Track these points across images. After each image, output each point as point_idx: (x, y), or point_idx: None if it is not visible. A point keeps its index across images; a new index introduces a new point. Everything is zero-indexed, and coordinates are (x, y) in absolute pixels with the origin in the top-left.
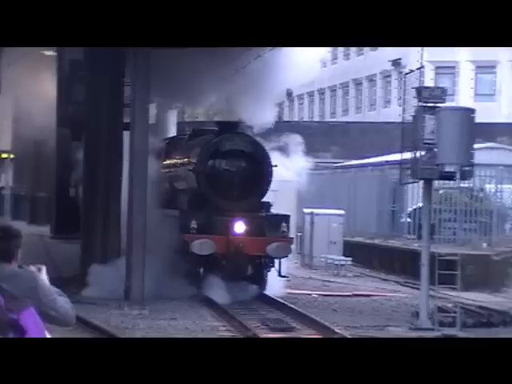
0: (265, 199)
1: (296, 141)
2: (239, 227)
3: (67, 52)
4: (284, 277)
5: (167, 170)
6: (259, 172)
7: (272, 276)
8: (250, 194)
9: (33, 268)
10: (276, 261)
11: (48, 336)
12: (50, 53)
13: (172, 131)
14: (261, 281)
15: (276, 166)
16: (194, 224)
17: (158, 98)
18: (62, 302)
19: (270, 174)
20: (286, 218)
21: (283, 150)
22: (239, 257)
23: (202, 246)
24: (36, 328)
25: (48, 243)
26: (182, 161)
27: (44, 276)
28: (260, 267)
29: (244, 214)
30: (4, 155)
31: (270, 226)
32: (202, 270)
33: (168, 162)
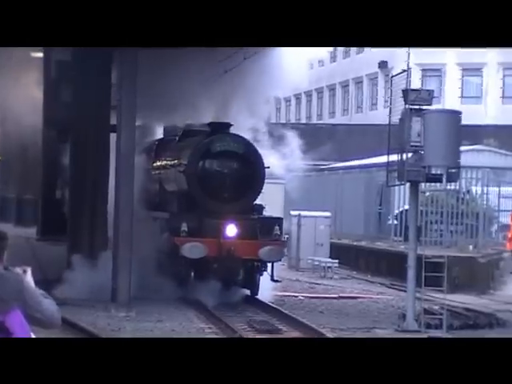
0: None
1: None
2: (231, 230)
3: (54, 53)
4: (277, 281)
5: (157, 171)
6: (251, 173)
7: (263, 280)
8: (241, 196)
9: (18, 270)
10: (268, 264)
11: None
12: (36, 54)
13: (159, 133)
14: (253, 285)
15: (269, 167)
16: (184, 227)
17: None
18: (48, 304)
19: (263, 175)
20: (278, 220)
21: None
22: (231, 260)
23: (192, 249)
24: (22, 330)
25: (34, 245)
26: (172, 162)
27: (29, 278)
28: (252, 271)
29: (236, 216)
30: None
31: (263, 228)
32: (192, 273)
33: (158, 163)
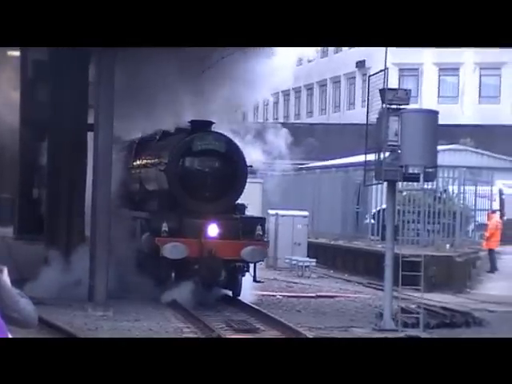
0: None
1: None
2: (212, 230)
3: (30, 53)
4: (259, 282)
5: (137, 170)
6: (233, 172)
7: (245, 280)
8: (223, 195)
9: None
10: (251, 265)
11: (10, 337)
12: (13, 53)
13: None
14: (235, 286)
15: (251, 166)
16: (165, 227)
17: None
18: (25, 303)
19: (245, 174)
20: (261, 220)
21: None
22: (212, 261)
23: (173, 249)
24: None
25: (10, 244)
26: (152, 161)
27: (5, 277)
28: (234, 272)
29: (217, 216)
30: None
31: (245, 228)
32: (173, 274)
33: (138, 162)
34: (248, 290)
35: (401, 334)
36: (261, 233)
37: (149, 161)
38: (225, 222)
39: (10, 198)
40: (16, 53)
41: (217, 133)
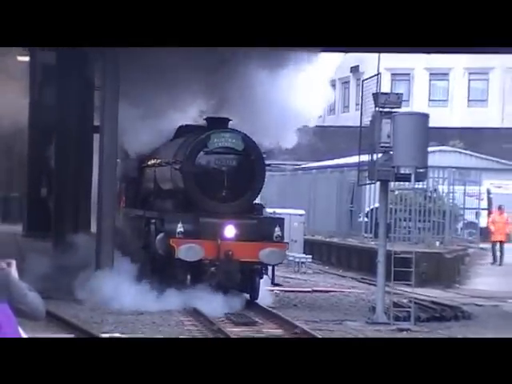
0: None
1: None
2: (229, 231)
3: (39, 58)
4: (277, 284)
5: (152, 169)
6: (251, 171)
7: (263, 282)
8: (241, 194)
9: (3, 264)
10: (269, 267)
11: (20, 330)
12: (22, 58)
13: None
14: (253, 289)
15: (270, 164)
16: (180, 227)
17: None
18: (33, 296)
19: (263, 173)
20: (280, 221)
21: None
22: (229, 263)
23: (188, 251)
24: (9, 322)
25: (20, 241)
26: (167, 159)
27: (14, 271)
28: (252, 274)
29: (235, 216)
30: None
31: (263, 229)
32: (189, 277)
33: (153, 160)
34: (266, 294)
35: (393, 327)
36: (280, 234)
37: (164, 159)
38: (242, 223)
39: (19, 197)
40: (25, 58)
41: (234, 130)
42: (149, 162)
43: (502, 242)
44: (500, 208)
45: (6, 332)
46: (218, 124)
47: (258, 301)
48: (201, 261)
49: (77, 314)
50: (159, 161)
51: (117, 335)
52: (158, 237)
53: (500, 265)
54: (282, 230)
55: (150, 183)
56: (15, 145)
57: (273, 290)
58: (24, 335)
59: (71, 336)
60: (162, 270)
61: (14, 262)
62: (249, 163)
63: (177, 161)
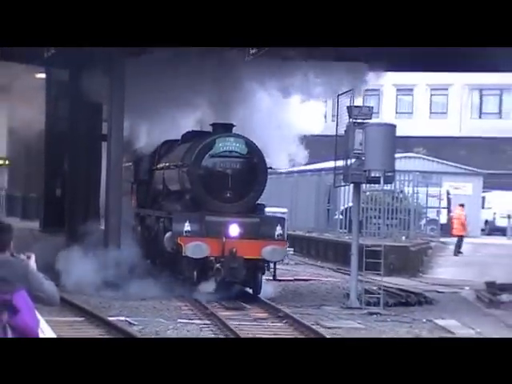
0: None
1: None
2: (234, 230)
3: (54, 75)
4: (279, 280)
5: (161, 171)
6: (254, 173)
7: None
8: (244, 195)
9: (23, 256)
10: (271, 264)
11: (37, 314)
12: (40, 75)
13: (143, 141)
14: (255, 284)
15: (271, 167)
16: (187, 226)
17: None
18: (48, 285)
19: (265, 175)
20: (281, 220)
21: None
22: (234, 260)
23: (195, 248)
24: (27, 307)
25: (37, 236)
26: (175, 162)
27: (33, 263)
28: (255, 270)
29: (238, 216)
30: (0, 162)
31: (265, 228)
32: (195, 273)
33: (162, 164)
34: (268, 288)
35: (364, 312)
36: (281, 232)
37: (172, 162)
38: (246, 222)
39: (36, 197)
40: (42, 75)
41: (238, 135)
42: (158, 165)
43: (462, 236)
44: (462, 205)
45: (24, 317)
46: (222, 129)
47: (259, 295)
48: (207, 258)
49: (87, 300)
50: (168, 164)
51: (122, 318)
52: (167, 235)
53: (456, 255)
54: (283, 228)
55: (159, 185)
56: (33, 152)
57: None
58: (41, 319)
59: (82, 319)
60: (170, 266)
61: (33, 255)
62: (252, 166)
63: (184, 164)
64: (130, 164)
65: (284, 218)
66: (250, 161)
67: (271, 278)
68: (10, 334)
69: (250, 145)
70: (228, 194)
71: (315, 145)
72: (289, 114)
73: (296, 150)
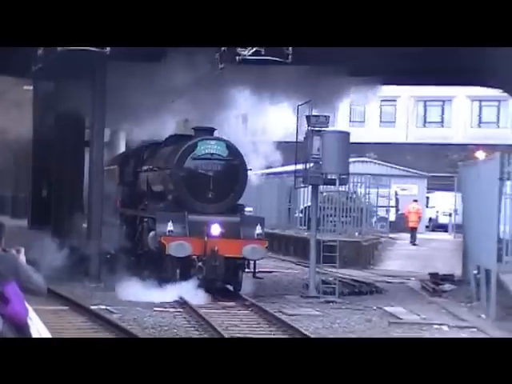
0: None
1: None
2: (215, 229)
3: (40, 86)
4: (259, 278)
5: (145, 173)
6: (234, 175)
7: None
8: (225, 196)
9: (13, 251)
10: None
11: (27, 304)
12: (28, 87)
13: (122, 147)
14: (236, 281)
15: (251, 169)
16: (170, 226)
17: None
18: (37, 277)
19: (245, 177)
20: (260, 220)
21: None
22: (215, 259)
23: (178, 247)
24: (18, 298)
25: (26, 232)
26: (159, 164)
27: (22, 257)
28: (236, 268)
29: (220, 216)
30: None
31: (245, 228)
32: (178, 271)
33: (146, 166)
34: (248, 286)
35: (321, 300)
36: (261, 232)
37: (156, 164)
38: (227, 222)
39: (25, 197)
40: (30, 87)
41: (219, 138)
42: (143, 168)
43: (414, 229)
44: (416, 201)
45: (15, 306)
46: (204, 133)
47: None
48: (189, 256)
49: (72, 290)
50: (152, 166)
51: (103, 307)
52: (150, 234)
53: (414, 244)
54: (262, 228)
55: (143, 186)
56: (22, 155)
57: None
58: (30, 308)
59: (66, 308)
60: (153, 265)
61: (22, 249)
62: (232, 168)
63: (167, 166)
64: (116, 166)
65: (263, 218)
66: (230, 163)
67: (255, 277)
68: (1, 323)
69: (230, 147)
70: (210, 195)
71: (278, 149)
72: (264, 119)
73: (270, 154)
